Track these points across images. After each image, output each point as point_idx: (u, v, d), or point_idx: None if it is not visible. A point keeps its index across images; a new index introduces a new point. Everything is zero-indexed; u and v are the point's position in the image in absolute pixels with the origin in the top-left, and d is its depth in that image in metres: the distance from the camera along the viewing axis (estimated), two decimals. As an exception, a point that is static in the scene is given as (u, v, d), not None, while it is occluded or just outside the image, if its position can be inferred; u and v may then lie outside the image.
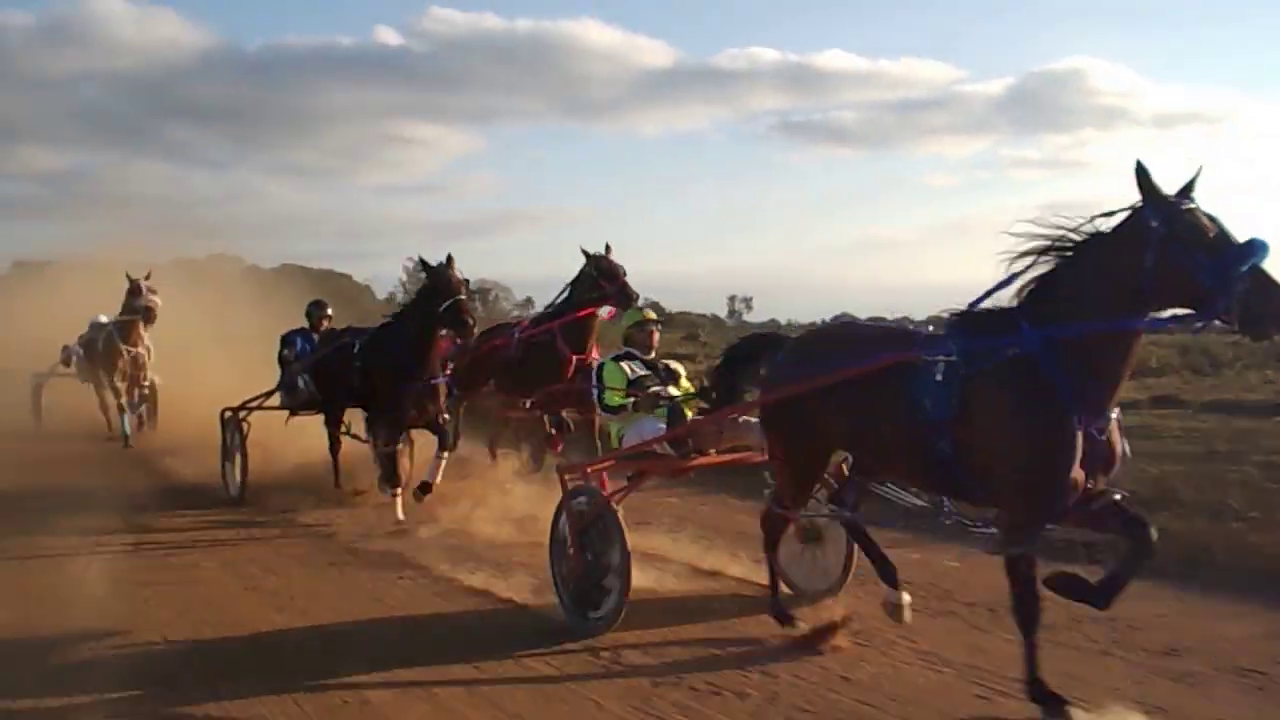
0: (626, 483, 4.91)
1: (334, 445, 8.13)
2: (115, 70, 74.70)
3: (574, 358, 7.64)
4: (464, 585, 5.35)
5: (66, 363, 13.18)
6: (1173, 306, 3.20)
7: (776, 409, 4.23)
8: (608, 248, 7.89)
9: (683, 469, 5.09)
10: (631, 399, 5.22)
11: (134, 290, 11.77)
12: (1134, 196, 3.23)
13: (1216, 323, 3.14)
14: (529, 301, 30.10)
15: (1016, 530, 3.42)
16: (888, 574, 4.28)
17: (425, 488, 7.03)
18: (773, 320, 28.37)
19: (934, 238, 72.17)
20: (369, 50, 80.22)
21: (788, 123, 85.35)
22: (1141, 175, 3.18)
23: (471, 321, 6.99)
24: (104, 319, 12.69)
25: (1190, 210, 3.13)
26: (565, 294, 7.97)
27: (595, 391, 5.41)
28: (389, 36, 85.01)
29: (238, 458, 8.17)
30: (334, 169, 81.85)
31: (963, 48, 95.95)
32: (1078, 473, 3.31)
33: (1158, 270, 3.10)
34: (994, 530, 3.62)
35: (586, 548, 4.56)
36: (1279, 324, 3.04)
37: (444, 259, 7.02)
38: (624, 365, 5.43)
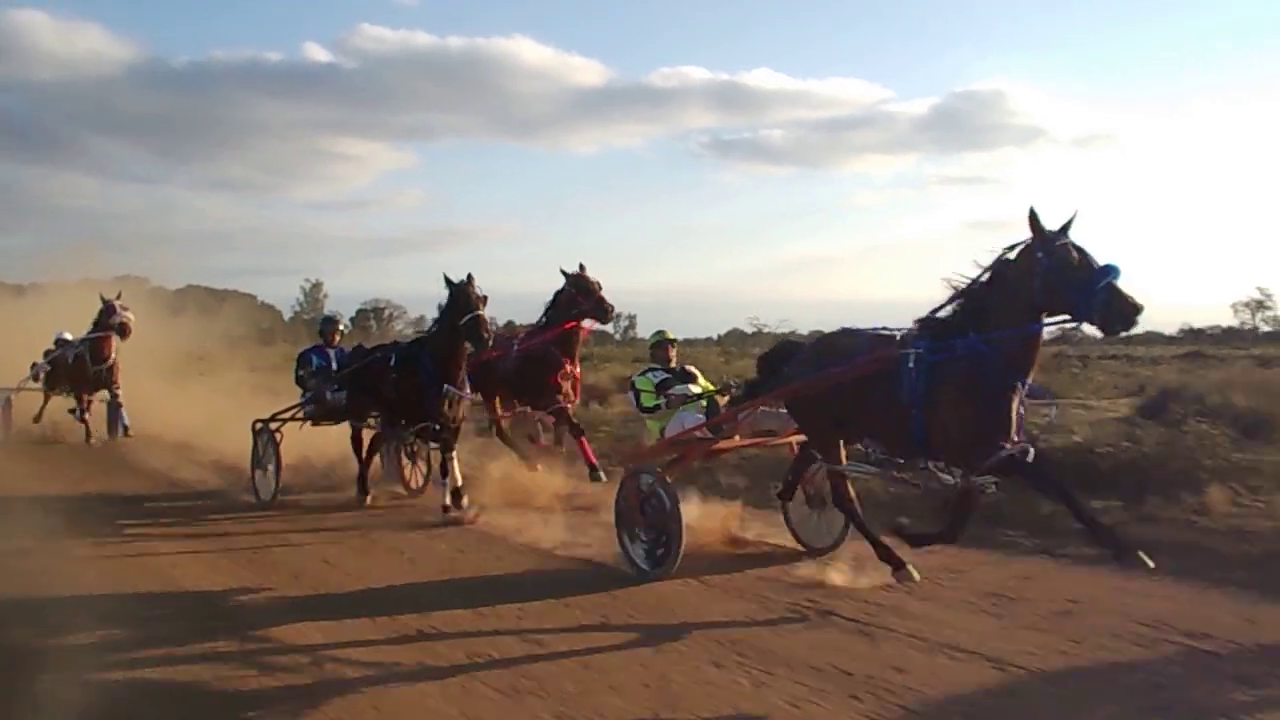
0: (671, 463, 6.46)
1: (357, 447, 8.95)
2: (38, 82, 74.67)
3: (567, 363, 8.59)
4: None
5: (35, 378, 14.28)
6: (1058, 314, 4.81)
7: (799, 399, 5.80)
8: (581, 266, 8.71)
9: (718, 451, 6.70)
10: (663, 399, 6.84)
11: (109, 310, 13.20)
12: (1052, 212, 4.80)
13: (1086, 326, 4.75)
14: (420, 320, 31.22)
15: (973, 469, 4.92)
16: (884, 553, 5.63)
17: (457, 494, 7.84)
18: (707, 338, 30.25)
19: (865, 255, 75.02)
20: (298, 66, 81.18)
21: (719, 141, 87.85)
22: (1033, 219, 4.81)
23: (488, 336, 7.72)
24: (68, 335, 14.04)
25: (1065, 245, 4.74)
26: (548, 310, 8.83)
27: (632, 395, 7.03)
28: (318, 53, 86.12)
29: (270, 466, 8.96)
30: (263, 184, 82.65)
31: (888, 68, 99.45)
32: (1011, 428, 4.86)
33: (1044, 290, 4.73)
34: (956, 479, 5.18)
35: (647, 514, 6.12)
36: (1126, 325, 4.66)
37: (465, 276, 7.76)
38: (649, 376, 7.09)
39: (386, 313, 43.73)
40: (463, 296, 7.68)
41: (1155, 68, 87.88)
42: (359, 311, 43.46)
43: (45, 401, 14.29)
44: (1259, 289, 44.75)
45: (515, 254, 79.26)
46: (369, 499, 8.76)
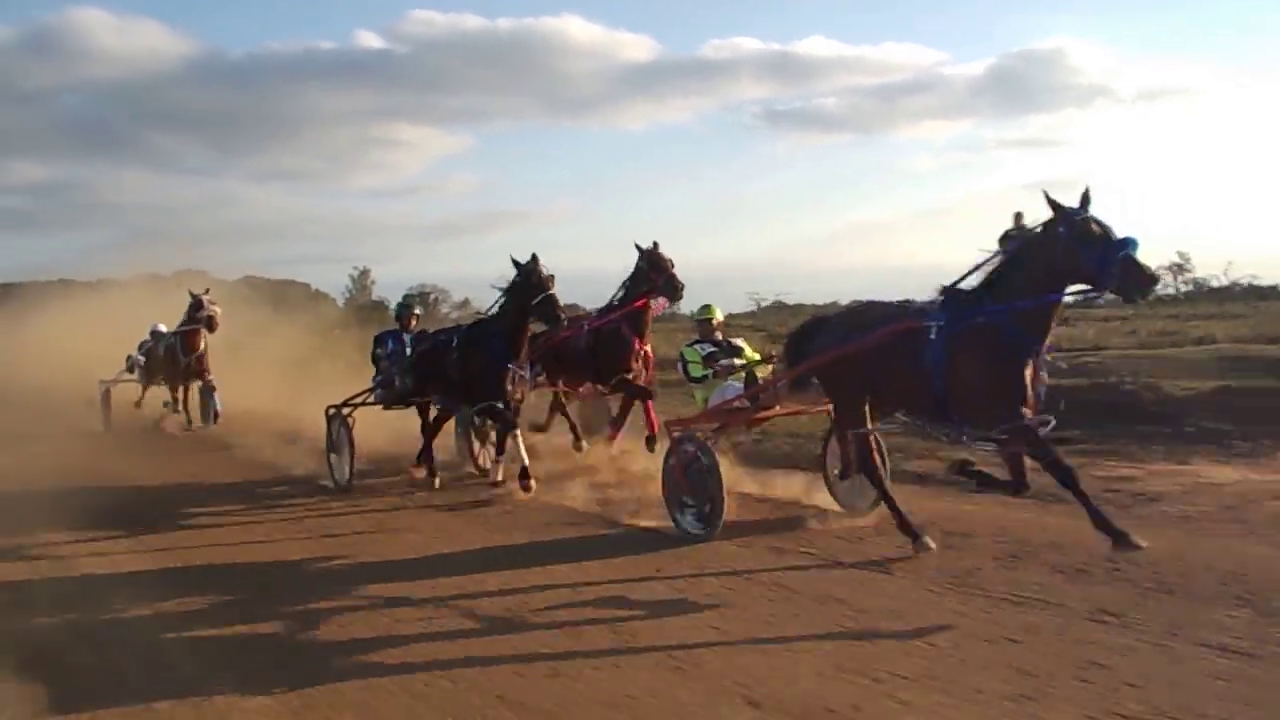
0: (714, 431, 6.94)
1: (425, 427, 9.20)
2: (98, 80, 77.22)
3: (638, 343, 8.76)
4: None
5: (131, 370, 15.24)
6: (1078, 284, 5.20)
7: (828, 367, 6.25)
8: (655, 244, 8.78)
9: (758, 420, 7.20)
10: (710, 370, 7.29)
11: (197, 304, 14.01)
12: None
13: (1108, 294, 5.10)
14: (465, 303, 31.42)
15: (1004, 420, 5.28)
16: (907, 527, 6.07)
17: (524, 473, 7.92)
18: (777, 302, 30.35)
19: (919, 221, 73.69)
20: (351, 54, 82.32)
21: (771, 111, 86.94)
22: (1050, 200, 5.19)
23: (561, 316, 7.89)
24: (162, 327, 14.95)
25: (1084, 219, 5.11)
26: (624, 287, 8.96)
27: (681, 366, 7.49)
28: (370, 40, 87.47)
29: (345, 451, 9.11)
30: (318, 173, 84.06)
31: (942, 30, 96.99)
32: (1029, 391, 5.26)
33: (1065, 262, 5.12)
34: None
35: (692, 479, 6.60)
36: (1144, 293, 5.03)
37: (531, 257, 7.88)
38: (697, 348, 7.55)
39: (432, 297, 44.75)
40: (533, 276, 7.84)
41: (1225, 16, 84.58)
42: (405, 296, 44.83)
43: (144, 390, 15.19)
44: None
45: (567, 234, 79.89)
46: (437, 481, 8.95)
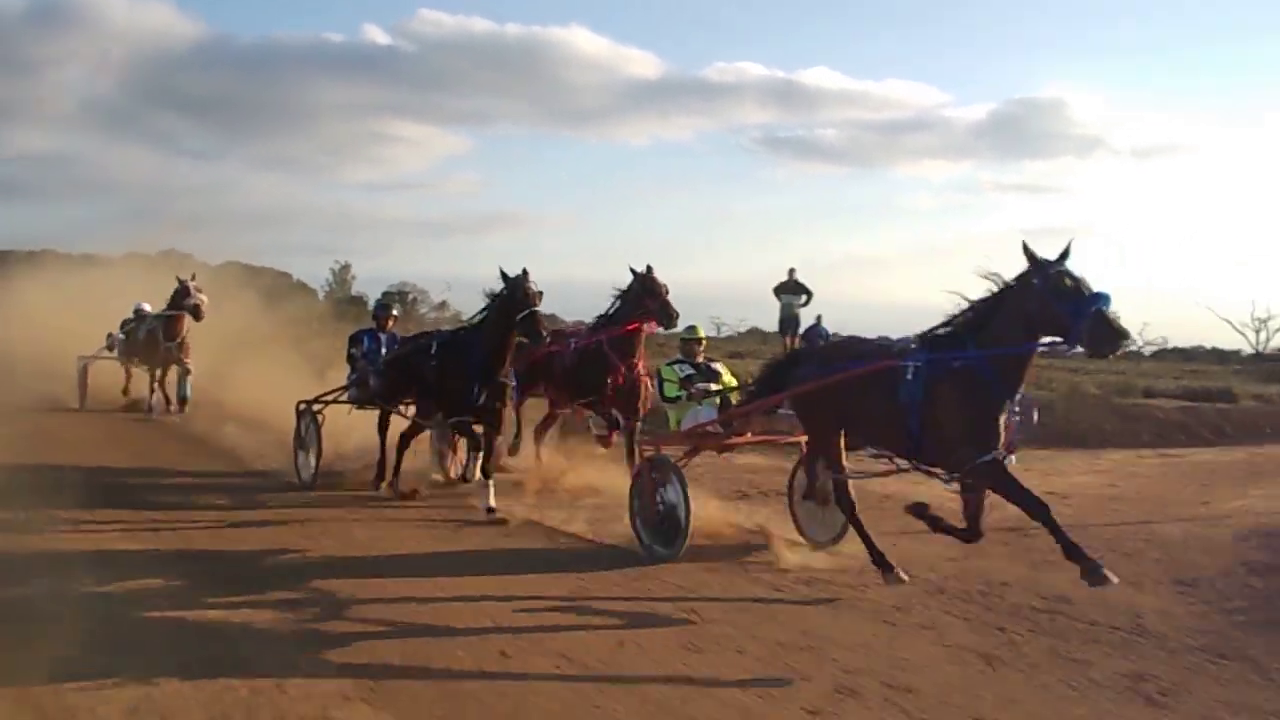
0: (684, 454, 7.02)
1: (382, 431, 8.98)
2: (104, 55, 77.29)
3: (621, 366, 8.67)
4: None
5: (111, 348, 14.97)
6: (1050, 336, 5.31)
7: (805, 399, 6.34)
8: (649, 267, 8.77)
9: (729, 445, 7.24)
10: (684, 392, 7.36)
11: (183, 291, 13.81)
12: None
13: (1077, 347, 5.22)
14: (444, 304, 31.11)
15: (960, 471, 5.45)
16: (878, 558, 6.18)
17: (487, 473, 7.80)
18: (754, 329, 30.52)
19: (914, 258, 74.77)
20: (358, 48, 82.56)
21: (772, 137, 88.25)
22: (1027, 251, 5.31)
23: (545, 333, 7.82)
24: (147, 307, 14.74)
25: (1060, 272, 5.23)
26: (614, 307, 8.94)
27: (657, 384, 7.55)
28: (378, 35, 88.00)
29: (313, 448, 9.02)
30: (318, 164, 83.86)
31: (946, 71, 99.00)
32: (1001, 432, 5.37)
33: (1039, 313, 5.23)
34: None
35: (660, 500, 6.65)
36: (1112, 349, 5.14)
37: (521, 271, 7.79)
38: (675, 368, 7.61)
39: (410, 296, 44.80)
40: (520, 291, 7.71)
41: (1225, 80, 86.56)
42: (384, 295, 44.83)
43: (128, 375, 14.90)
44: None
45: (562, 242, 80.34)
46: (385, 486, 8.82)
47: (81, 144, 74.31)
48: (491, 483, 7.81)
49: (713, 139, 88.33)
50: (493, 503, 7.73)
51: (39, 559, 6.10)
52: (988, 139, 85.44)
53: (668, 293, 8.63)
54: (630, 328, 8.71)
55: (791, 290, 17.92)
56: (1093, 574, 4.90)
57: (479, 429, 8.10)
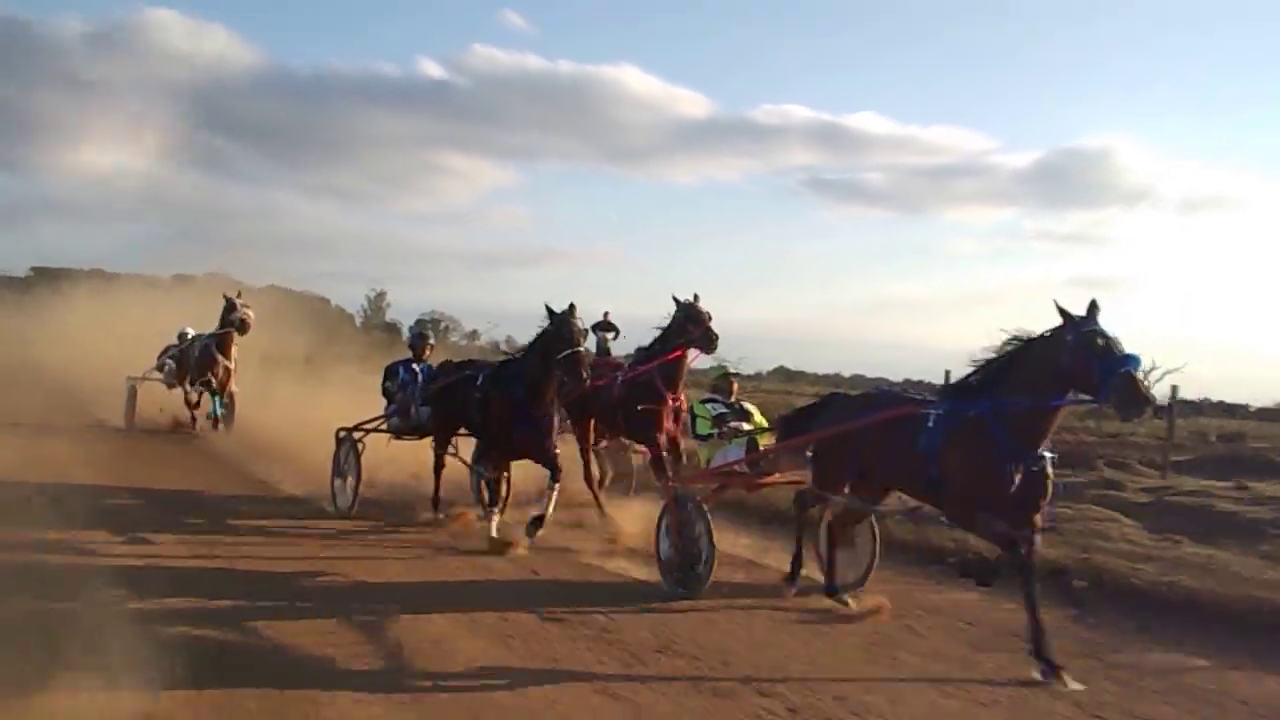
0: (712, 492, 7.16)
1: (439, 466, 9.00)
2: (163, 80, 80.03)
3: (669, 397, 8.71)
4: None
5: (160, 369, 15.44)
6: (1078, 392, 5.40)
7: (826, 443, 6.48)
8: (695, 296, 8.84)
9: (756, 485, 7.37)
10: (716, 430, 7.50)
11: (230, 307, 14.27)
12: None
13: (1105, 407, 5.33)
14: (474, 333, 31.94)
15: (970, 523, 5.58)
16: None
17: (538, 522, 7.70)
18: (780, 368, 30.73)
19: (956, 304, 74.77)
20: (413, 81, 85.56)
21: (817, 179, 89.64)
22: (1060, 309, 5.42)
23: (586, 374, 7.60)
24: (191, 331, 15.24)
25: (1092, 330, 5.32)
26: (659, 338, 8.93)
27: (690, 421, 7.70)
28: (432, 69, 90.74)
29: (351, 476, 9.09)
30: (369, 193, 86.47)
31: (994, 118, 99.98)
32: (1007, 491, 5.43)
33: (1069, 369, 5.33)
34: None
35: (686, 535, 6.78)
36: (1139, 411, 5.22)
37: (567, 308, 7.70)
38: (709, 406, 7.76)
39: (443, 325, 45.58)
40: (564, 329, 7.60)
41: (1275, 136, 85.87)
42: (417, 322, 45.85)
43: (189, 398, 14.84)
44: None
45: (606, 278, 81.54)
46: (440, 516, 8.88)
47: (137, 166, 77.02)
48: (550, 510, 7.79)
49: (759, 180, 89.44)
50: (546, 511, 7.73)
51: (102, 574, 6.38)
52: (1033, 186, 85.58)
53: (710, 319, 8.69)
54: (673, 355, 8.76)
55: (604, 328, 21.01)
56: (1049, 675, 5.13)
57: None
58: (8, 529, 7.37)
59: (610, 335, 19.26)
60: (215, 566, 6.90)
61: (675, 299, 8.89)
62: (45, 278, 32.74)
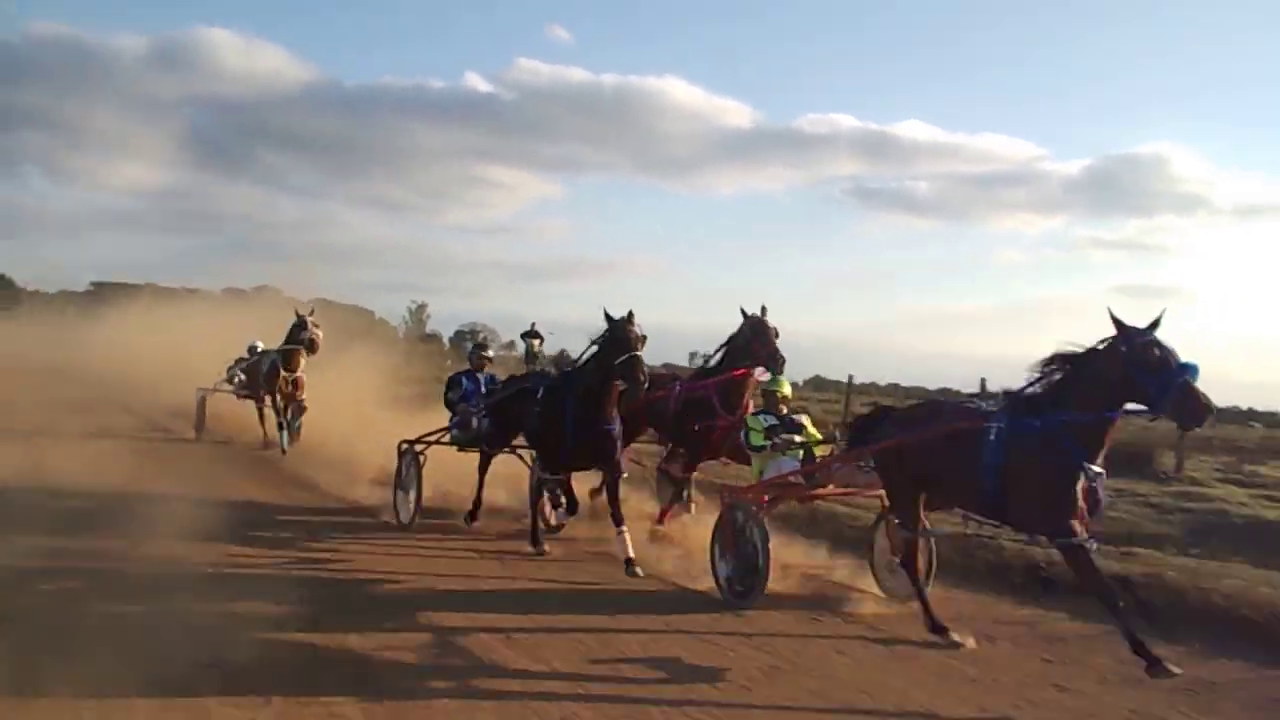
0: (766, 503, 7.29)
1: (482, 471, 9.22)
2: (218, 96, 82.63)
3: (723, 415, 8.54)
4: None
5: (230, 381, 15.87)
6: (1135, 403, 5.45)
7: (887, 456, 6.58)
8: (763, 309, 8.61)
9: (810, 497, 7.51)
10: (770, 442, 7.64)
11: (300, 325, 14.58)
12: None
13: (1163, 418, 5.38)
14: (511, 345, 32.24)
15: (1055, 534, 5.59)
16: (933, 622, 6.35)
17: (630, 562, 7.38)
18: (815, 376, 30.80)
19: (1007, 313, 73.92)
20: (459, 95, 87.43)
21: (862, 189, 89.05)
22: (1115, 319, 5.46)
23: (643, 379, 7.49)
24: (260, 344, 15.68)
25: (1148, 341, 5.36)
26: (722, 352, 8.84)
27: (743, 434, 7.85)
28: (478, 83, 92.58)
29: (413, 488, 9.17)
30: (416, 205, 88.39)
31: (1043, 125, 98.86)
32: (1081, 502, 5.53)
33: (1124, 381, 5.38)
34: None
35: (741, 546, 6.93)
36: (1198, 422, 5.27)
37: (626, 314, 7.62)
38: (761, 418, 7.90)
39: (481, 336, 46.42)
40: (621, 335, 7.54)
41: None
42: (456, 333, 46.63)
43: (261, 410, 15.07)
44: None
45: (651, 289, 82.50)
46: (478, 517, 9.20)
47: (190, 179, 79.37)
48: (626, 532, 7.55)
49: (803, 190, 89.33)
50: (631, 553, 7.42)
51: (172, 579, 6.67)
52: (1084, 194, 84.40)
53: (778, 337, 8.52)
54: (737, 374, 8.63)
55: (531, 335, 24.36)
56: (1156, 666, 5.06)
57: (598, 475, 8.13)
58: (100, 537, 7.78)
59: (537, 342, 19.69)
60: (311, 575, 7.24)
61: (743, 312, 8.67)
62: (104, 292, 34.05)
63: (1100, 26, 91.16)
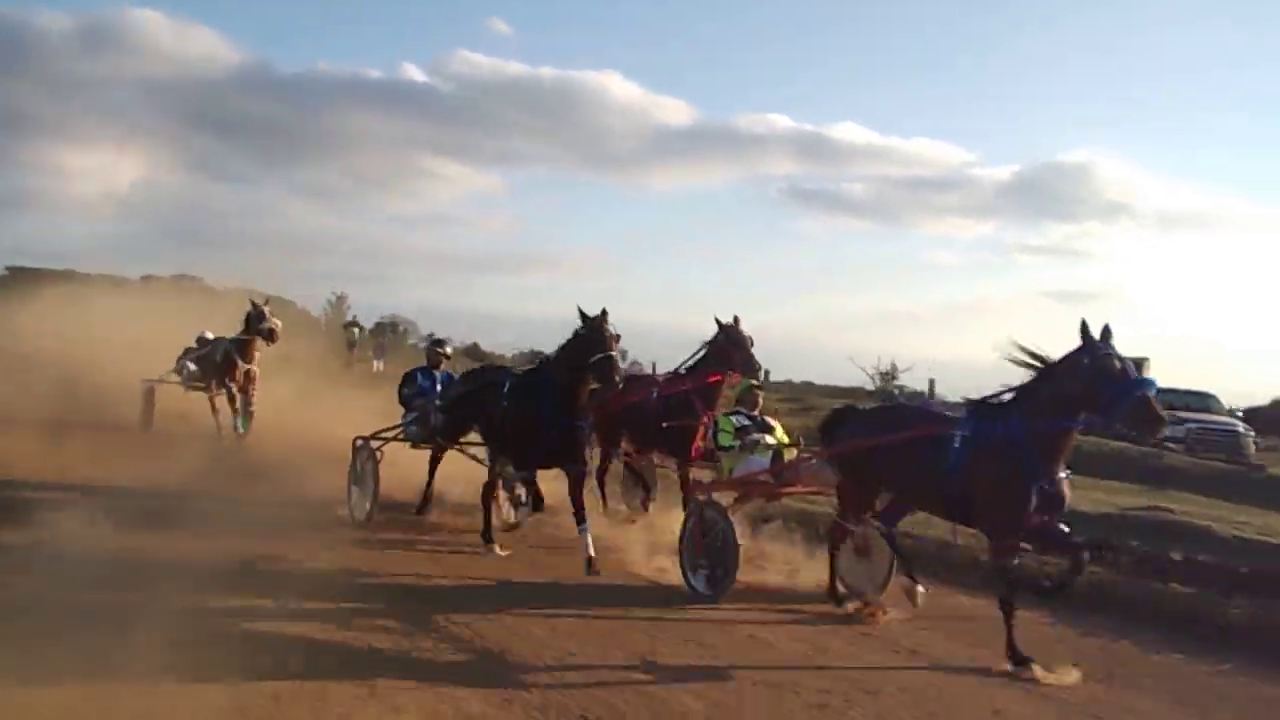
0: (734, 500, 7.58)
1: (432, 468, 9.34)
2: (147, 77, 79.48)
3: (705, 417, 8.73)
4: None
5: (179, 372, 15.24)
6: (1093, 413, 5.85)
7: (848, 456, 6.90)
8: (735, 318, 8.88)
9: (778, 494, 7.83)
10: (738, 441, 7.92)
11: (259, 315, 14.17)
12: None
13: (1119, 427, 5.84)
14: (430, 336, 32.12)
15: (998, 544, 5.99)
16: (906, 569, 6.87)
17: (589, 564, 7.45)
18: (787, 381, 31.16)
19: (938, 315, 76.76)
20: (396, 85, 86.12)
21: (799, 189, 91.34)
22: (1083, 329, 5.82)
23: (618, 378, 7.65)
24: (210, 335, 15.15)
25: (1107, 354, 5.74)
26: (699, 356, 9.05)
27: (712, 433, 8.10)
28: (415, 74, 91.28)
29: (369, 485, 9.02)
30: (353, 193, 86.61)
31: (973, 131, 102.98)
32: (1031, 510, 5.87)
33: (1083, 391, 5.75)
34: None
35: (709, 543, 7.18)
36: (1152, 433, 5.72)
37: (599, 312, 7.64)
38: (732, 418, 8.17)
39: (401, 328, 45.74)
40: (596, 334, 7.56)
41: (1255, 151, 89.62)
42: (376, 325, 45.88)
43: (212, 401, 14.60)
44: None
45: (592, 284, 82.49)
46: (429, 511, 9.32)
47: (119, 163, 75.72)
48: (588, 530, 7.64)
49: (740, 189, 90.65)
50: (592, 552, 7.49)
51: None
52: (1013, 200, 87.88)
53: (752, 344, 8.80)
54: (713, 379, 8.89)
55: (352, 325, 29.03)
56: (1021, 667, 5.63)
57: (565, 472, 7.91)
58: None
59: (356, 332, 19.73)
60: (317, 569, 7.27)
61: (718, 321, 8.95)
62: (21, 277, 32.63)
63: (1031, 33, 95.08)
